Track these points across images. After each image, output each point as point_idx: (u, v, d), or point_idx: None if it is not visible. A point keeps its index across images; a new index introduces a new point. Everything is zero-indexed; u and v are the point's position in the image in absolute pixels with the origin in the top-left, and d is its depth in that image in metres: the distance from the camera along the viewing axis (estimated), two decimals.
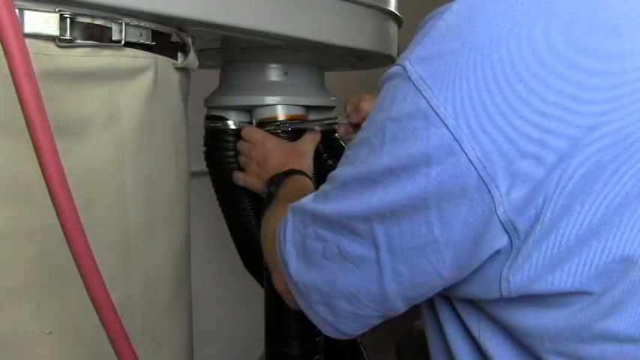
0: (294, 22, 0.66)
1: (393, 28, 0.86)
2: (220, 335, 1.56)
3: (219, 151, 0.87)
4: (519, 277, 0.42)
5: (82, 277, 0.41)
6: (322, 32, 0.70)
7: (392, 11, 0.82)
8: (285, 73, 0.85)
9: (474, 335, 0.49)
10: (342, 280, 0.49)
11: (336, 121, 0.89)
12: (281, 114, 0.83)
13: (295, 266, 0.53)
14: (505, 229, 0.41)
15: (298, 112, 0.85)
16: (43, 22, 0.46)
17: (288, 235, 0.54)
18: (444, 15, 0.42)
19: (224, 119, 0.86)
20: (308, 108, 0.87)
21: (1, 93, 0.44)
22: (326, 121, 0.88)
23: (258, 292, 1.04)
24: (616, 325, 0.41)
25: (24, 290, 0.48)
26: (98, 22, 0.50)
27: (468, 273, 0.45)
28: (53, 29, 0.47)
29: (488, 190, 0.40)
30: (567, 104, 0.39)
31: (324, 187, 0.52)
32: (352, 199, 0.46)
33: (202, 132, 0.89)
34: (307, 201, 0.53)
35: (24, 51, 0.37)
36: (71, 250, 0.41)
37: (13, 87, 0.37)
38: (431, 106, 0.40)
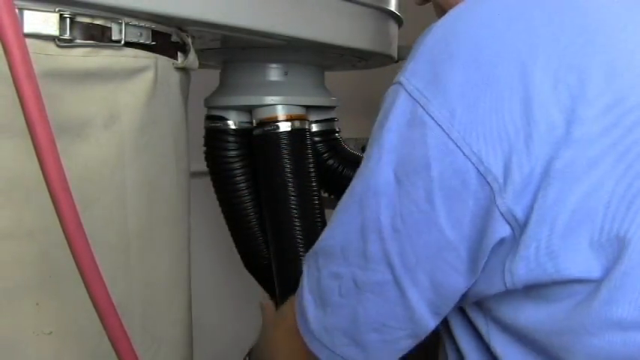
0: (294, 21, 0.66)
1: (394, 28, 0.86)
2: (220, 335, 1.56)
3: (219, 151, 0.87)
4: (521, 266, 0.43)
5: (82, 277, 0.41)
6: (322, 32, 0.70)
7: (392, 11, 0.82)
8: (286, 73, 0.85)
9: (483, 338, 0.50)
10: (364, 313, 0.49)
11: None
12: (281, 114, 0.83)
13: (314, 314, 0.53)
14: (506, 219, 0.42)
15: (298, 112, 0.85)
16: (42, 21, 0.46)
17: (305, 284, 0.54)
18: (432, 30, 0.46)
19: (224, 119, 0.86)
20: (308, 108, 0.87)
21: (1, 93, 0.44)
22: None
23: (258, 292, 1.04)
24: (618, 310, 0.41)
25: (24, 290, 0.48)
26: (98, 21, 0.50)
27: (481, 267, 0.45)
28: (53, 29, 0.47)
29: (487, 182, 0.42)
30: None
31: (331, 220, 0.52)
32: (359, 217, 0.47)
33: (202, 132, 0.89)
34: (318, 242, 0.53)
35: (24, 51, 0.37)
36: (71, 251, 0.41)
37: (13, 87, 0.37)
38: (427, 112, 0.43)
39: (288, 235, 0.82)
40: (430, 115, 0.43)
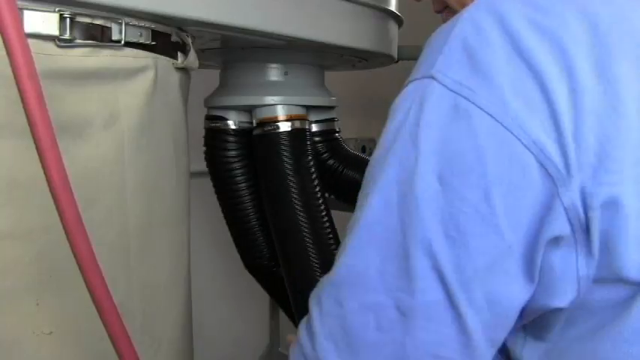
0: (294, 21, 0.66)
1: (394, 28, 0.86)
2: (220, 335, 1.56)
3: (219, 151, 0.87)
4: (593, 268, 0.39)
5: (84, 276, 0.41)
6: (322, 32, 0.70)
7: (392, 11, 0.82)
8: (286, 73, 0.85)
9: (514, 356, 0.46)
10: (413, 345, 0.41)
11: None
12: (281, 114, 0.83)
13: None
14: (568, 215, 0.39)
15: (299, 112, 0.85)
16: (42, 21, 0.46)
17: (319, 330, 0.44)
18: (458, 22, 0.42)
19: (224, 119, 0.86)
20: (308, 108, 0.87)
21: (1, 93, 0.44)
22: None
23: (258, 292, 1.04)
24: None
25: (24, 290, 0.48)
26: (98, 21, 0.50)
27: (537, 273, 0.40)
28: (53, 29, 0.47)
29: (549, 173, 0.38)
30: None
31: (350, 241, 0.43)
32: (395, 232, 0.41)
33: (202, 132, 0.89)
34: (333, 272, 0.44)
35: (26, 51, 0.37)
36: (72, 250, 0.41)
37: (14, 87, 0.37)
38: (473, 103, 0.39)
39: (293, 235, 0.82)
40: (477, 106, 0.39)
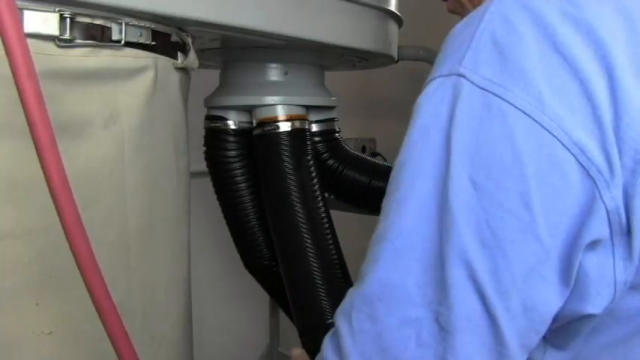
0: (294, 22, 0.66)
1: (393, 28, 0.86)
2: (220, 335, 1.56)
3: (219, 151, 0.87)
4: (631, 273, 0.38)
5: (83, 277, 0.41)
6: (322, 32, 0.70)
7: (392, 11, 0.82)
8: (286, 73, 0.85)
9: None
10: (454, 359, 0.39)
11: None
12: (281, 114, 0.83)
13: None
14: (609, 218, 0.37)
15: (299, 112, 0.85)
16: (42, 21, 0.46)
17: (350, 349, 0.41)
18: (484, 16, 0.40)
19: (224, 119, 0.86)
20: (308, 108, 0.87)
21: (1, 93, 0.44)
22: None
23: (258, 292, 1.04)
24: None
25: (24, 290, 0.48)
26: (98, 21, 0.50)
27: (574, 278, 0.39)
28: (53, 29, 0.47)
29: (590, 175, 0.36)
30: None
31: (382, 252, 0.41)
32: (430, 240, 0.39)
33: (202, 132, 0.89)
34: (363, 285, 0.41)
35: (25, 51, 0.37)
36: (72, 250, 0.41)
37: (13, 87, 0.37)
38: (506, 101, 0.37)
39: (292, 236, 0.82)
40: (512, 104, 0.37)
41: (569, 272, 0.38)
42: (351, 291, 0.43)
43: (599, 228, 0.37)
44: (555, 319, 0.40)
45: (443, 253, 0.38)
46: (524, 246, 0.37)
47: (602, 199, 0.36)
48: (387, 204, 0.42)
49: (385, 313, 0.40)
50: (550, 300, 0.38)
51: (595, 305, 0.39)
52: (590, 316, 0.40)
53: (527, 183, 0.37)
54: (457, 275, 0.37)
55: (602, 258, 0.38)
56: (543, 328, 0.40)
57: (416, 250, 0.39)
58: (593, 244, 0.38)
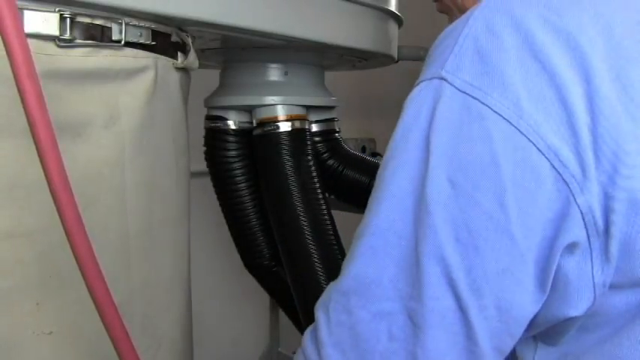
0: (294, 22, 0.66)
1: (393, 28, 0.86)
2: (220, 335, 1.56)
3: (219, 151, 0.87)
4: (610, 274, 0.39)
5: (84, 276, 0.41)
6: (322, 32, 0.70)
7: (392, 11, 0.82)
8: (286, 73, 0.85)
9: None
10: (423, 355, 0.40)
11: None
12: (281, 114, 0.83)
13: None
14: (585, 221, 0.37)
15: (299, 112, 0.85)
16: (43, 21, 0.46)
17: (326, 339, 0.42)
18: (469, 22, 0.41)
19: (224, 119, 0.86)
20: (308, 108, 0.87)
21: (1, 93, 0.44)
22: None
23: (258, 292, 1.04)
24: None
25: (24, 290, 0.48)
26: (98, 22, 0.50)
27: (550, 282, 0.39)
28: (53, 29, 0.47)
29: (563, 179, 0.37)
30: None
31: (360, 247, 0.42)
32: (406, 238, 0.40)
33: (202, 132, 0.89)
34: (342, 279, 0.43)
35: (26, 51, 0.37)
36: (73, 250, 0.41)
37: (14, 87, 0.37)
38: (485, 105, 0.38)
39: (295, 235, 0.81)
40: (490, 108, 0.38)
41: (545, 277, 0.39)
42: (330, 285, 0.44)
43: (574, 231, 0.38)
44: (537, 323, 0.41)
45: (418, 249, 0.39)
46: (499, 245, 0.38)
47: (576, 202, 0.37)
48: (370, 202, 0.43)
49: (360, 306, 0.41)
50: (525, 304, 0.39)
51: (576, 308, 0.40)
52: (573, 318, 0.40)
53: (503, 184, 0.37)
54: (432, 271, 0.38)
55: (580, 261, 0.39)
56: (518, 333, 0.41)
57: (391, 247, 0.40)
58: (571, 248, 0.38)
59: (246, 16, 0.60)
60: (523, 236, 0.38)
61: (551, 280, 0.39)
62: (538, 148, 0.37)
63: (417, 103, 0.41)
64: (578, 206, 0.37)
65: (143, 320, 0.56)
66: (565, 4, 0.40)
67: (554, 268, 0.38)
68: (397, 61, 0.93)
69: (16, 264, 0.47)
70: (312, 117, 0.89)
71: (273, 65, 0.85)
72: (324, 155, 0.91)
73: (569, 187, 0.37)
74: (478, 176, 0.38)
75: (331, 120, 0.93)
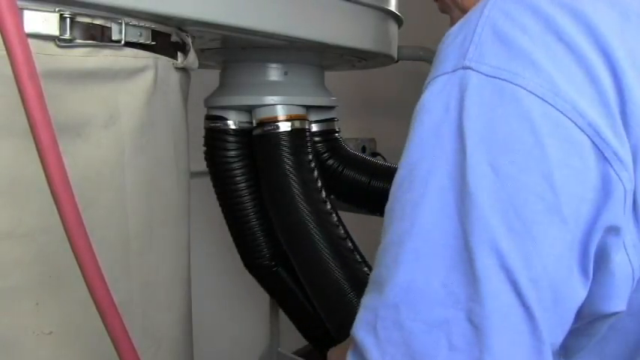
0: (294, 22, 0.66)
1: (393, 28, 0.86)
2: (220, 335, 1.56)
3: (219, 151, 0.87)
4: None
5: (84, 276, 0.41)
6: (322, 32, 0.70)
7: (392, 11, 0.82)
8: (286, 73, 0.85)
9: None
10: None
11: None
12: (281, 114, 0.83)
13: None
14: (626, 202, 0.36)
15: (298, 112, 0.85)
16: (43, 21, 0.46)
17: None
18: (482, 12, 0.40)
19: (224, 119, 0.86)
20: (308, 108, 0.87)
21: (1, 93, 0.44)
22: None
23: (258, 292, 1.04)
24: None
25: (24, 290, 0.48)
26: (98, 21, 0.50)
27: (591, 267, 0.37)
28: (53, 29, 0.47)
29: (605, 157, 0.36)
30: None
31: (400, 255, 0.38)
32: (454, 234, 0.37)
33: (202, 132, 0.89)
34: (384, 291, 0.39)
35: (26, 51, 0.37)
36: (73, 250, 0.41)
37: (14, 87, 0.37)
38: (518, 85, 0.36)
39: (299, 231, 0.81)
40: (524, 88, 0.36)
41: (587, 261, 0.36)
42: (368, 302, 0.40)
43: (615, 212, 0.36)
44: (576, 317, 0.39)
45: (469, 244, 0.36)
46: (552, 228, 0.36)
47: (621, 180, 0.36)
48: (399, 207, 0.40)
49: (411, 317, 0.37)
50: (576, 291, 0.37)
51: (617, 300, 0.38)
52: (608, 315, 0.39)
53: (550, 164, 0.36)
54: (487, 265, 0.35)
55: (620, 246, 0.37)
56: (567, 325, 0.38)
57: (438, 248, 0.37)
58: (612, 231, 0.36)
59: (247, 16, 0.60)
60: (573, 218, 0.36)
61: (592, 265, 0.37)
62: (578, 125, 0.36)
63: (443, 96, 0.39)
64: (623, 185, 0.36)
65: (143, 320, 0.56)
66: None
67: (593, 251, 0.36)
68: (397, 61, 0.94)
69: (16, 264, 0.47)
70: (312, 117, 0.89)
71: (273, 65, 0.85)
72: (324, 155, 0.91)
73: (612, 165, 0.36)
74: (523, 158, 0.36)
75: (331, 120, 0.93)
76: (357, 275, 0.81)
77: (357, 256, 0.83)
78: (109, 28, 0.51)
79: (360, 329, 0.40)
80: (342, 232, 0.83)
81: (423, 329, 0.37)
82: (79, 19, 0.49)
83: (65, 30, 0.47)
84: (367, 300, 0.40)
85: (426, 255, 0.37)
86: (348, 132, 1.32)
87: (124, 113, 0.53)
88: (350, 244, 0.83)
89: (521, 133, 0.36)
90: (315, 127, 0.90)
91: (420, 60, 1.53)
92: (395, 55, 0.88)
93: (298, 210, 0.81)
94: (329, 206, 0.84)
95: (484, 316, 0.35)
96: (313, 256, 0.81)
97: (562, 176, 0.35)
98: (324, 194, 0.84)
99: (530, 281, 0.35)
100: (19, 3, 0.45)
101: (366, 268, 0.82)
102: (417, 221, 0.38)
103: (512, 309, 0.35)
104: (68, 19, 0.48)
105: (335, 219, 0.83)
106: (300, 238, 0.82)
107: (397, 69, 1.21)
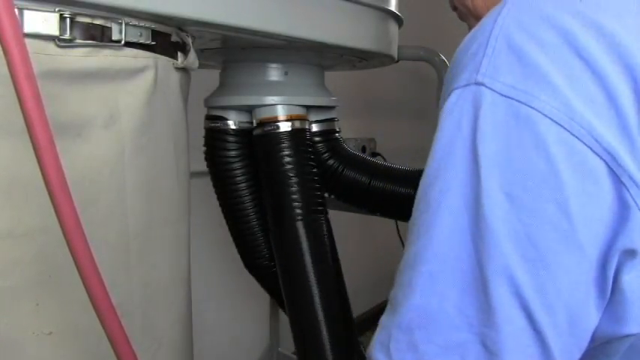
0: (294, 22, 0.66)
1: (394, 28, 0.86)
2: (220, 335, 1.56)
3: (219, 151, 0.87)
4: None
5: (82, 277, 0.41)
6: (322, 32, 0.70)
7: (392, 11, 0.82)
8: (286, 73, 0.85)
9: None
10: None
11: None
12: (281, 114, 0.83)
13: None
14: None
15: (299, 112, 0.85)
16: (42, 21, 0.46)
17: None
18: (497, 22, 0.39)
19: (224, 119, 0.86)
20: (308, 108, 0.87)
21: (0, 93, 0.44)
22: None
23: (258, 292, 1.04)
24: None
25: (23, 290, 0.48)
26: (98, 21, 0.50)
27: (609, 290, 0.37)
28: (53, 29, 0.47)
29: (622, 182, 0.35)
30: None
31: (414, 277, 0.39)
32: (468, 260, 0.37)
33: (202, 132, 0.89)
34: (399, 314, 0.39)
35: (23, 51, 0.37)
36: (71, 251, 0.41)
37: (12, 87, 0.37)
38: (533, 109, 0.36)
39: (291, 235, 0.82)
40: (540, 112, 0.35)
41: (604, 283, 0.36)
42: (384, 321, 0.41)
43: (632, 236, 0.36)
44: (594, 337, 0.39)
45: (483, 271, 0.36)
46: (567, 257, 0.36)
47: (637, 205, 0.35)
48: (416, 226, 0.40)
49: (426, 340, 0.38)
50: (591, 313, 0.37)
51: (633, 323, 0.38)
52: (628, 336, 0.38)
53: (564, 192, 0.35)
54: (501, 293, 0.36)
55: (635, 268, 0.37)
56: (584, 345, 0.38)
57: (452, 272, 0.37)
58: (629, 254, 0.36)
59: (247, 16, 0.60)
60: (590, 243, 0.36)
61: (610, 286, 0.37)
62: (593, 151, 0.35)
63: (456, 113, 0.38)
64: (639, 208, 0.35)
65: (143, 320, 0.57)
66: (598, 1, 0.37)
67: (611, 273, 0.36)
68: (397, 61, 0.93)
69: (15, 264, 0.47)
70: (312, 117, 0.89)
71: (273, 65, 0.85)
72: (324, 155, 0.91)
73: (628, 190, 0.35)
74: (537, 186, 0.36)
75: (331, 120, 0.93)
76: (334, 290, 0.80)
77: (335, 270, 0.83)
78: (109, 28, 0.51)
79: (376, 350, 0.40)
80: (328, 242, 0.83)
81: (436, 352, 0.37)
82: (79, 19, 0.49)
83: (65, 30, 0.47)
84: (384, 319, 0.41)
85: (440, 279, 0.37)
86: (348, 132, 1.32)
87: (124, 113, 0.53)
88: (334, 258, 0.83)
89: (536, 161, 0.35)
90: (315, 127, 0.90)
91: (420, 60, 1.53)
92: (395, 55, 0.88)
93: (293, 215, 0.81)
94: (324, 210, 0.84)
95: (498, 342, 0.36)
96: (299, 265, 0.82)
97: (577, 203, 0.35)
98: (321, 199, 0.84)
99: (543, 308, 0.36)
100: (18, 3, 0.45)
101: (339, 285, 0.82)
102: (431, 243, 0.38)
103: (525, 334, 0.36)
104: (68, 19, 0.47)
105: (325, 227, 0.83)
106: (289, 243, 0.82)
107: (397, 69, 1.21)
